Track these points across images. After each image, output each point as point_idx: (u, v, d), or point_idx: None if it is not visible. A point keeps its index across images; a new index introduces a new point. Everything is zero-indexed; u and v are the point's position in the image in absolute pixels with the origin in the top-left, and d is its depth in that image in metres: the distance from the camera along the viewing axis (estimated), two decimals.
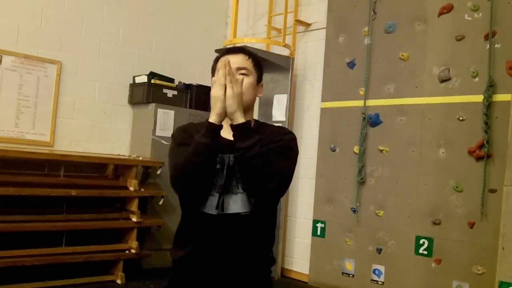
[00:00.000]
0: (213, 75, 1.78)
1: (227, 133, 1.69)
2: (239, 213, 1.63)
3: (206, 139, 1.57)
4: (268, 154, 1.56)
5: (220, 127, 1.59)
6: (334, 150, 4.36)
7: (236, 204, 1.63)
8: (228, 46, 1.72)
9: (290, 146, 1.67)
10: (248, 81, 1.69)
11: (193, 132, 1.70)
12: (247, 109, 1.70)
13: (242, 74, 1.69)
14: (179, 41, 5.48)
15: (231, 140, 1.65)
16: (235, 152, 1.57)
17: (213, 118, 1.58)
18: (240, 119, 1.57)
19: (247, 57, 1.74)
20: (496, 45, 3.48)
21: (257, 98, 1.84)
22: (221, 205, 1.63)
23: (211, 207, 1.64)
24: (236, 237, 1.64)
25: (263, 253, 1.73)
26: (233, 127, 1.58)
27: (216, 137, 1.59)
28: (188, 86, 5.25)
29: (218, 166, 1.66)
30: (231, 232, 1.64)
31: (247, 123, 1.58)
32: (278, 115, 4.83)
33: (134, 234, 4.29)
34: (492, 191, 3.40)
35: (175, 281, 1.77)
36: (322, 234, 4.37)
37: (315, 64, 4.79)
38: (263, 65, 1.84)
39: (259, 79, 1.78)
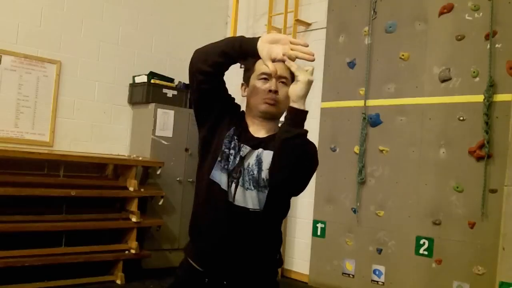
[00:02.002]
0: (245, 80, 1.76)
1: (252, 128, 1.71)
2: (247, 209, 1.62)
3: (238, 47, 1.58)
4: (308, 147, 1.56)
5: (256, 55, 1.56)
6: (334, 150, 4.36)
7: (245, 199, 1.62)
8: None
9: (312, 155, 1.65)
10: (286, 90, 1.65)
11: (240, 116, 1.75)
12: (278, 116, 1.71)
13: (282, 82, 1.67)
14: (179, 41, 5.47)
15: (254, 136, 1.68)
16: (281, 134, 1.54)
17: (260, 42, 1.56)
18: (303, 105, 1.55)
19: (287, 67, 1.69)
20: (496, 45, 3.47)
21: None
22: (232, 194, 1.62)
23: (221, 181, 1.63)
24: (242, 233, 1.63)
25: (268, 253, 1.71)
26: (294, 110, 1.54)
27: (244, 55, 1.59)
28: (188, 86, 5.24)
29: (232, 152, 1.65)
30: (237, 227, 1.63)
31: (306, 112, 1.56)
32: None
33: (133, 234, 4.28)
34: (493, 191, 3.40)
35: (180, 275, 1.75)
36: (322, 234, 4.37)
37: (315, 64, 4.77)
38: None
39: None
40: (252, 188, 1.63)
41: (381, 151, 4.03)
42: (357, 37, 4.27)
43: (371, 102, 4.13)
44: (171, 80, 5.13)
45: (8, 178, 3.84)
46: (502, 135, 3.32)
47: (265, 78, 1.68)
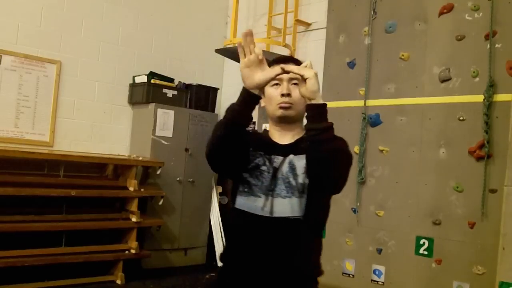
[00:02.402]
0: (261, 90, 1.72)
1: (277, 137, 1.69)
2: (287, 217, 1.59)
3: (236, 105, 1.53)
4: (338, 141, 1.53)
5: (253, 95, 1.54)
6: None
7: (285, 208, 1.59)
8: (276, 57, 1.70)
9: (345, 148, 1.61)
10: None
11: (252, 136, 1.70)
12: (299, 118, 1.68)
13: (295, 84, 1.67)
14: (179, 41, 5.47)
15: (281, 144, 1.66)
16: (307, 134, 1.51)
17: (247, 85, 1.54)
18: (320, 99, 1.54)
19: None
20: (496, 45, 3.47)
21: None
22: (269, 208, 1.59)
23: (257, 208, 1.61)
24: (283, 242, 1.59)
25: (310, 262, 1.66)
26: (312, 106, 1.53)
27: (247, 104, 1.54)
28: (188, 86, 5.24)
29: (264, 168, 1.63)
30: (278, 237, 1.59)
31: (325, 105, 1.54)
32: None
33: (134, 234, 4.29)
34: (493, 191, 3.40)
35: (221, 282, 1.73)
36: (322, 234, 4.36)
37: (315, 64, 4.74)
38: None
39: None
40: (290, 195, 1.60)
41: (381, 151, 4.03)
42: (357, 37, 4.27)
43: (371, 102, 4.13)
44: (171, 80, 5.13)
45: (8, 178, 3.85)
46: (502, 135, 3.32)
47: (276, 84, 1.67)
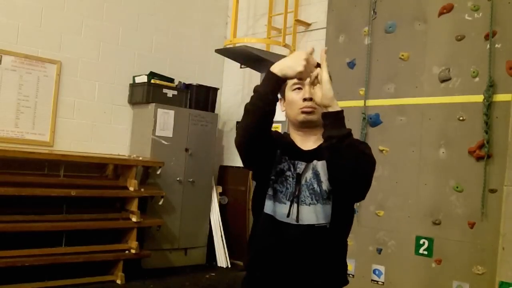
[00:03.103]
0: (282, 94, 1.70)
1: (300, 142, 1.66)
2: (313, 225, 1.57)
3: (262, 87, 1.52)
4: (359, 147, 1.51)
5: (279, 77, 1.51)
6: None
7: (310, 215, 1.57)
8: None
9: (368, 152, 1.60)
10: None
11: (277, 138, 1.68)
12: (321, 122, 1.63)
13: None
14: (179, 41, 5.47)
15: (304, 150, 1.63)
16: (327, 142, 1.48)
17: (276, 69, 1.51)
18: (337, 106, 1.51)
19: (314, 69, 1.64)
20: (496, 45, 3.47)
21: None
22: (294, 215, 1.57)
23: (282, 215, 1.59)
24: (309, 250, 1.57)
25: (335, 270, 1.64)
26: (329, 114, 1.50)
27: (272, 85, 1.52)
28: (188, 86, 5.25)
29: (288, 173, 1.61)
30: (304, 245, 1.57)
31: (342, 111, 1.51)
32: (278, 115, 4.82)
33: (134, 234, 4.29)
34: (492, 191, 3.40)
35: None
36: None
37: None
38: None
39: None
40: (315, 202, 1.58)
41: (381, 151, 4.03)
42: (357, 37, 4.27)
43: (371, 102, 4.13)
44: (171, 80, 5.13)
45: (8, 178, 3.85)
46: (502, 135, 3.32)
47: (298, 88, 1.64)
